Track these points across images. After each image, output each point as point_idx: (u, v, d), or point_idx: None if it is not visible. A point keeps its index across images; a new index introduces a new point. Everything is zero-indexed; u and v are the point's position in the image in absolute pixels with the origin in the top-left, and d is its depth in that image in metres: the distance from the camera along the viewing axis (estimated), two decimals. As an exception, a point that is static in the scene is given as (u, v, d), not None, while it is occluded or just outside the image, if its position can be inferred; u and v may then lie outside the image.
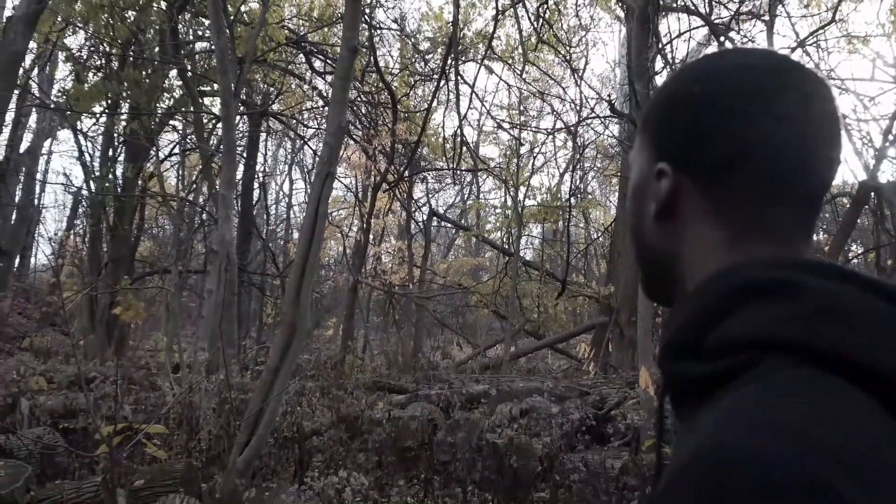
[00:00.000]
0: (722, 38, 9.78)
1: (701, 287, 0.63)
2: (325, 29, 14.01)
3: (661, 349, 0.64)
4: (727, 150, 0.65)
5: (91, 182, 13.22)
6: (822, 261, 0.60)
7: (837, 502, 0.42)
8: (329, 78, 14.14)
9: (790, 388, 0.50)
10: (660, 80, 13.26)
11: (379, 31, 14.20)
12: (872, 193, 9.69)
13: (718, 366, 0.55)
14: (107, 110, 13.03)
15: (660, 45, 9.80)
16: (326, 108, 14.52)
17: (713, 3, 10.29)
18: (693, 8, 10.14)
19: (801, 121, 0.64)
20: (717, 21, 10.16)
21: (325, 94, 14.71)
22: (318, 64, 14.59)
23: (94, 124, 13.81)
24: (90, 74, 13.28)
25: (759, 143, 0.64)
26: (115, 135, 13.77)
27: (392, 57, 15.66)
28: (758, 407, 0.49)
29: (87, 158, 13.63)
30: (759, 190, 0.64)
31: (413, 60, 15.02)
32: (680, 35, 10.93)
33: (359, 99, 13.82)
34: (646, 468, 5.52)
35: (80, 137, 13.57)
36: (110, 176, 13.34)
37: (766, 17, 9.75)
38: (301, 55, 14.77)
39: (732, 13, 10.46)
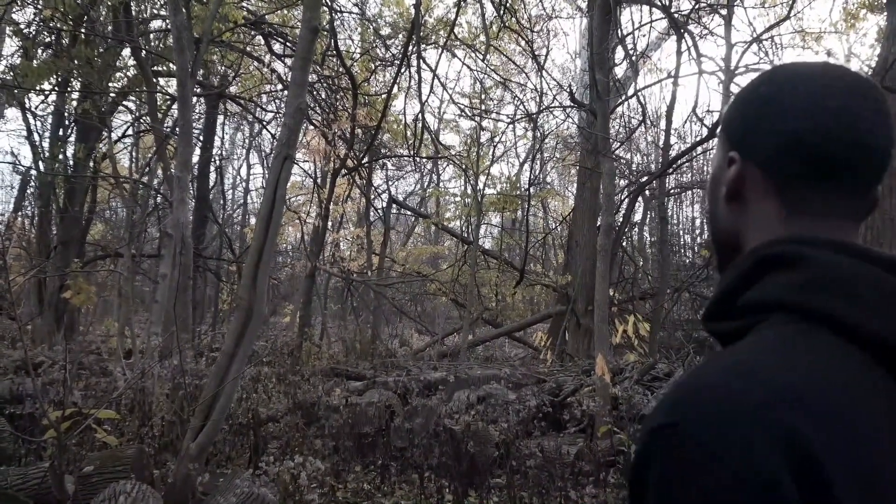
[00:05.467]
0: (682, 31, 9.91)
1: (737, 261, 0.76)
2: (285, 11, 13.75)
3: (705, 310, 0.78)
4: (786, 137, 0.75)
5: (40, 162, 12.81)
6: (837, 239, 0.71)
7: (789, 433, 0.54)
8: (288, 61, 13.88)
9: (774, 339, 0.64)
10: (620, 71, 13.42)
11: (339, 15, 14.02)
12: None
13: (740, 324, 0.70)
14: (57, 88, 12.62)
15: (620, 36, 9.89)
16: (285, 92, 14.29)
17: (673, -5, 10.39)
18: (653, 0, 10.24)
19: (852, 115, 0.73)
20: (676, 13, 10.28)
21: (283, 78, 14.44)
22: (276, 46, 14.30)
23: (43, 102, 13.34)
24: (39, 50, 12.85)
25: (813, 132, 0.73)
26: (66, 114, 13.35)
27: (353, 41, 15.47)
28: (736, 353, 0.64)
29: (36, 138, 13.18)
30: (812, 174, 0.74)
31: (374, 45, 14.86)
32: (640, 26, 11.06)
33: (318, 83, 13.63)
34: (600, 454, 5.60)
35: (29, 116, 13.12)
36: (60, 156, 12.93)
37: (725, 11, 9.89)
38: (259, 37, 14.48)
39: (692, 6, 10.59)
